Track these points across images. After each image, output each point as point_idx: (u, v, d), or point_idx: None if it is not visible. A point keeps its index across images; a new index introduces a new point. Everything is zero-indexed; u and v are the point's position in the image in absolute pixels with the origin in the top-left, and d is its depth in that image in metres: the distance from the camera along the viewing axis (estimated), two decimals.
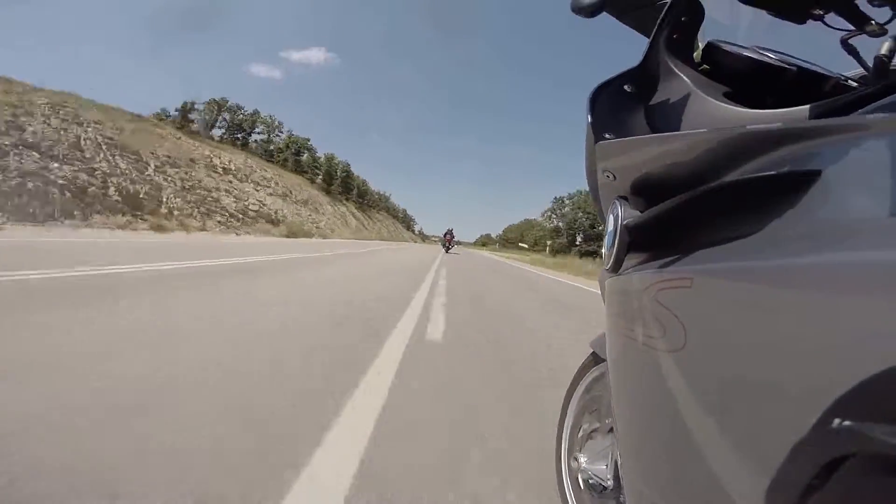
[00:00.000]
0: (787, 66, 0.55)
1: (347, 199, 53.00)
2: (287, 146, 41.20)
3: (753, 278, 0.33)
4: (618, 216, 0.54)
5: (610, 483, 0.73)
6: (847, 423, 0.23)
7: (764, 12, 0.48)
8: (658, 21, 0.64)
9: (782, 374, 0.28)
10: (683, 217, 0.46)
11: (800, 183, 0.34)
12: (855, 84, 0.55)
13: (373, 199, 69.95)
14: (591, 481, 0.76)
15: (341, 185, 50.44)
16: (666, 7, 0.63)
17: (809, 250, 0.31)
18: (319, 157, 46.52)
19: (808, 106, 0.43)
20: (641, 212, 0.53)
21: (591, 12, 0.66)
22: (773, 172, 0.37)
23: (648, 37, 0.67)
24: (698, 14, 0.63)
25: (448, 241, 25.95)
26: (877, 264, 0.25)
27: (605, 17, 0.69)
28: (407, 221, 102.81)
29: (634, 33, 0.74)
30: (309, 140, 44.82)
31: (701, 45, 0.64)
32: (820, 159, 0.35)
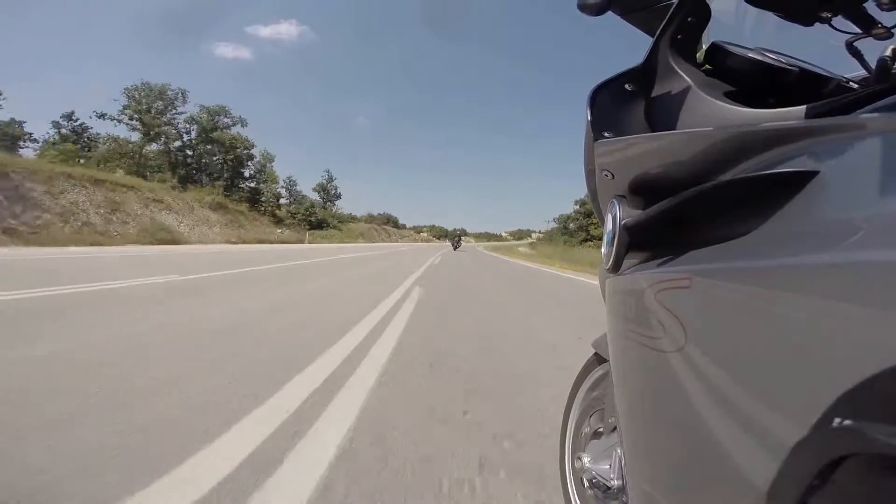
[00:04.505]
0: (788, 67, 0.55)
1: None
2: None
3: (753, 277, 0.33)
4: (616, 216, 0.54)
5: (614, 482, 0.73)
6: (847, 423, 0.23)
7: (771, 14, 0.48)
8: (664, 20, 0.64)
9: (782, 373, 0.28)
10: (683, 216, 0.46)
11: (799, 182, 0.34)
12: (856, 86, 0.55)
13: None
14: (595, 481, 0.76)
15: None
16: (672, 7, 0.63)
17: (809, 249, 0.30)
18: None
19: (807, 106, 0.43)
20: (640, 211, 0.52)
21: (596, 10, 0.66)
22: (771, 171, 0.37)
23: (653, 36, 0.67)
24: (704, 15, 0.63)
25: (457, 240, 36.28)
26: (876, 263, 0.25)
27: (609, 16, 0.69)
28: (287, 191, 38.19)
29: (638, 33, 0.74)
30: None
31: (705, 46, 0.64)
32: (819, 158, 0.35)
